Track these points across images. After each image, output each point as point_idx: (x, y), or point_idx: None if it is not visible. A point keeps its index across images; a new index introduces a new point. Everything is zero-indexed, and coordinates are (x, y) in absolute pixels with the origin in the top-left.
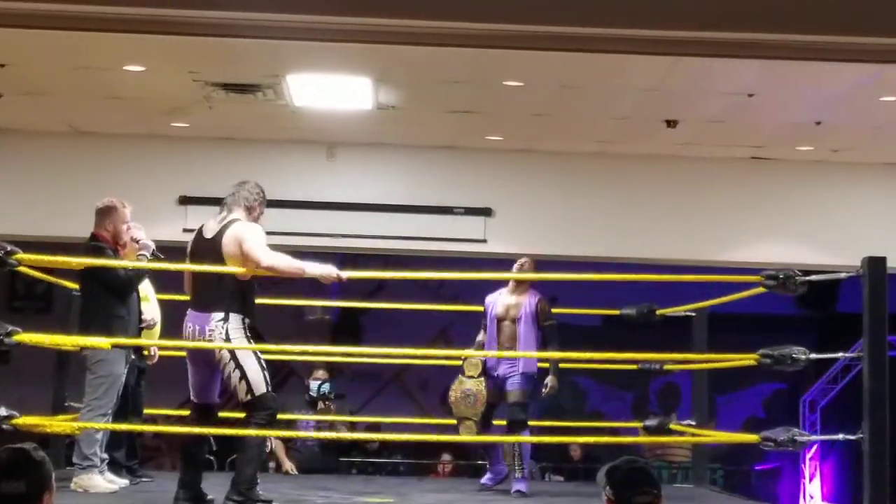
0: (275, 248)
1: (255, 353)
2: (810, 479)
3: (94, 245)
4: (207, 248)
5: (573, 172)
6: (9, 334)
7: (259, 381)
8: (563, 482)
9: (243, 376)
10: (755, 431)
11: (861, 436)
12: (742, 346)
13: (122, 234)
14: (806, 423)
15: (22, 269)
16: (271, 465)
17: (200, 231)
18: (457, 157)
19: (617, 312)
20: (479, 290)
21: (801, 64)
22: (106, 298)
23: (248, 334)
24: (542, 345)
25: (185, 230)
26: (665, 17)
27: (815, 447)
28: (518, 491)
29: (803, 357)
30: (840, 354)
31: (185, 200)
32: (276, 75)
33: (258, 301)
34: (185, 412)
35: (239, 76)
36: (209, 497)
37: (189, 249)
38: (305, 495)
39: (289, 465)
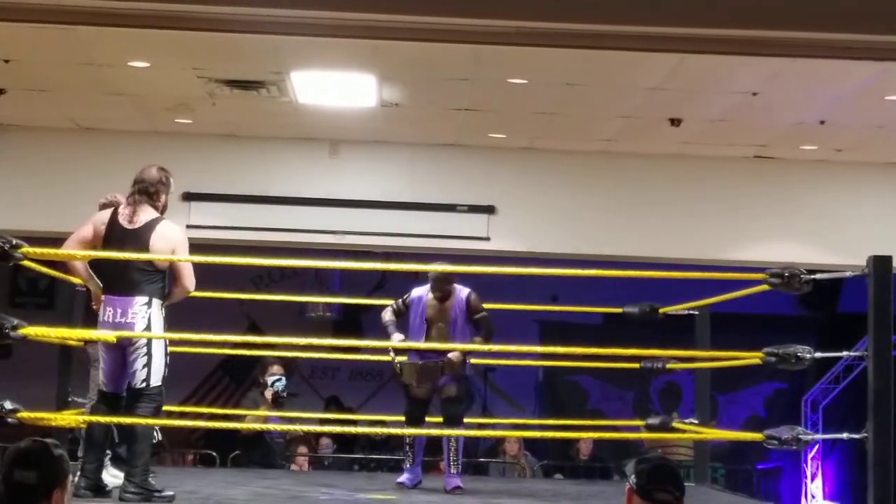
0: (279, 245)
1: (165, 345)
2: (812, 479)
3: None
4: (129, 237)
5: (576, 170)
6: (14, 328)
7: (158, 373)
8: (563, 480)
9: (148, 364)
10: (757, 431)
11: (865, 435)
12: (742, 345)
13: None
14: (808, 422)
15: (26, 263)
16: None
17: (115, 218)
18: (460, 155)
19: (619, 311)
20: (480, 289)
21: (805, 62)
22: None
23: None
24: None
25: (189, 226)
26: (671, 14)
27: (816, 447)
28: (457, 487)
29: (808, 356)
30: (845, 353)
31: (189, 197)
32: (280, 72)
33: (261, 297)
34: (189, 408)
35: (243, 73)
36: (108, 488)
37: (103, 236)
38: (307, 491)
39: None
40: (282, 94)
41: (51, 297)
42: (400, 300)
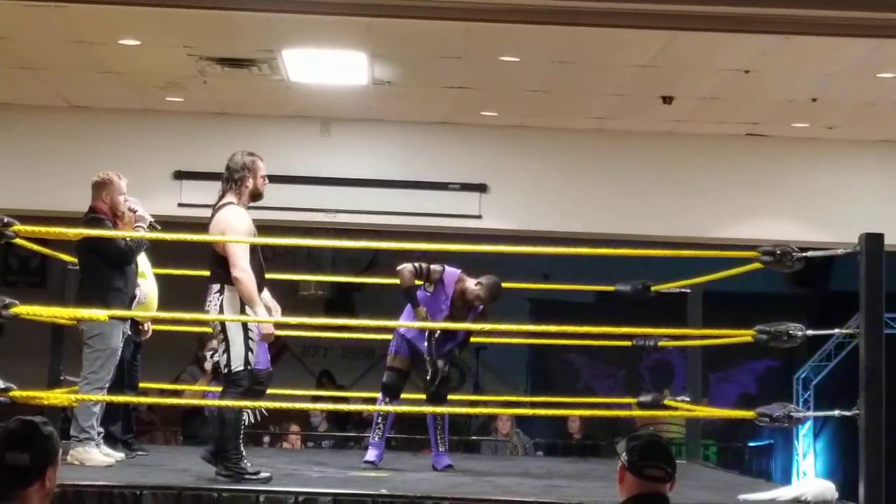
0: (270, 224)
1: (245, 329)
2: (803, 456)
3: (92, 217)
4: (209, 225)
5: (568, 148)
6: (6, 306)
7: (238, 358)
8: (544, 457)
9: (227, 350)
10: (748, 408)
11: (857, 412)
12: (734, 323)
13: (120, 206)
14: (799, 400)
15: (18, 241)
16: (265, 439)
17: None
18: (452, 133)
19: (611, 289)
20: (471, 267)
21: (798, 39)
22: (105, 271)
23: (247, 308)
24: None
25: (180, 204)
26: None
27: (808, 424)
28: (449, 465)
29: (799, 333)
30: (836, 330)
31: (180, 175)
32: (272, 50)
33: None
34: (181, 386)
35: (234, 51)
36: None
37: None
38: (300, 469)
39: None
40: (273, 72)
41: (42, 275)
42: (426, 266)
